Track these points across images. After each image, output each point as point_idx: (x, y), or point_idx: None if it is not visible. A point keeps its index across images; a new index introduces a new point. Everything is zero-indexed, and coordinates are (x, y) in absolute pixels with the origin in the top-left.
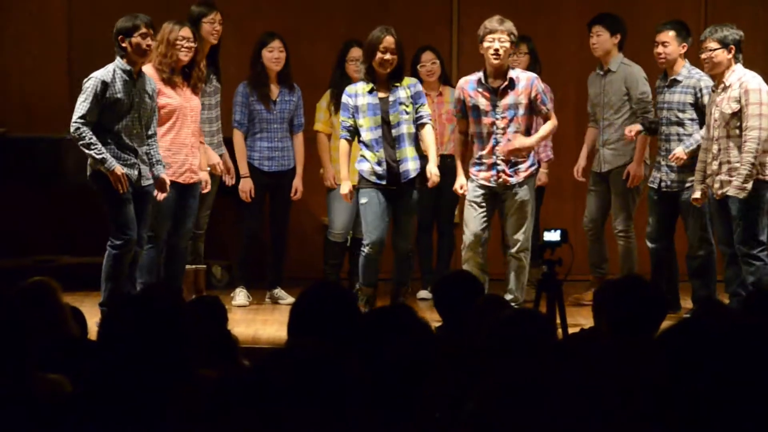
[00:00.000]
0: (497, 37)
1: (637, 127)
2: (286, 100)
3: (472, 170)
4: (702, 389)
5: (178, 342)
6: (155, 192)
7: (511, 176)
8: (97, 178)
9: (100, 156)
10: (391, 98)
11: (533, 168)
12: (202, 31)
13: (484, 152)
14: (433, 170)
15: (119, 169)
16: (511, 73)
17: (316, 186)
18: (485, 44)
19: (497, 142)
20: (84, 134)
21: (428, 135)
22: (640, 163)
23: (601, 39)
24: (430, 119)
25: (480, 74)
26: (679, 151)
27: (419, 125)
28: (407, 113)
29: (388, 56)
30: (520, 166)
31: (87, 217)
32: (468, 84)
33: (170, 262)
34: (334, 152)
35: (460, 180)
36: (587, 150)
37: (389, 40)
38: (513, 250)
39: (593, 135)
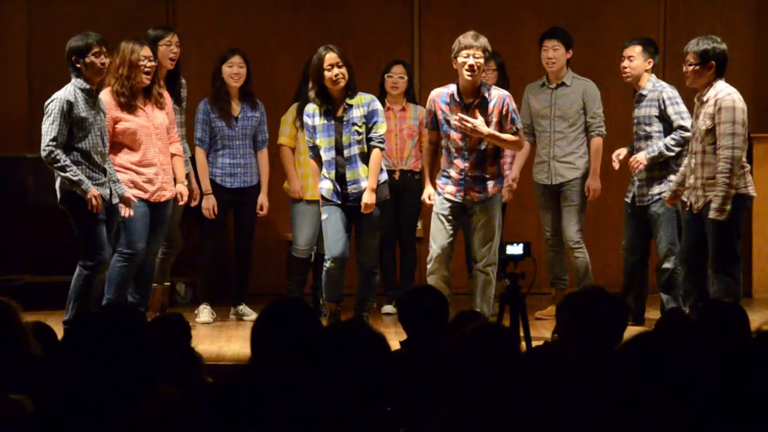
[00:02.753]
0: (472, 53)
1: (624, 151)
2: (248, 117)
3: (439, 183)
4: (663, 399)
5: (141, 360)
6: (122, 209)
7: (479, 192)
8: (69, 199)
9: (76, 178)
10: (345, 118)
11: (500, 185)
12: (158, 54)
13: (452, 167)
14: (366, 199)
15: (95, 191)
16: (484, 91)
17: (280, 202)
18: (459, 59)
19: (467, 159)
20: (58, 157)
21: (373, 160)
22: (596, 177)
23: (558, 53)
24: (382, 142)
25: (453, 88)
26: (641, 156)
27: (369, 147)
28: (359, 134)
29: (335, 71)
30: (488, 183)
31: (49, 235)
32: (440, 97)
33: (139, 278)
34: (298, 166)
35: (428, 190)
36: (520, 168)
37: (332, 56)
38: (480, 265)
39: (526, 151)
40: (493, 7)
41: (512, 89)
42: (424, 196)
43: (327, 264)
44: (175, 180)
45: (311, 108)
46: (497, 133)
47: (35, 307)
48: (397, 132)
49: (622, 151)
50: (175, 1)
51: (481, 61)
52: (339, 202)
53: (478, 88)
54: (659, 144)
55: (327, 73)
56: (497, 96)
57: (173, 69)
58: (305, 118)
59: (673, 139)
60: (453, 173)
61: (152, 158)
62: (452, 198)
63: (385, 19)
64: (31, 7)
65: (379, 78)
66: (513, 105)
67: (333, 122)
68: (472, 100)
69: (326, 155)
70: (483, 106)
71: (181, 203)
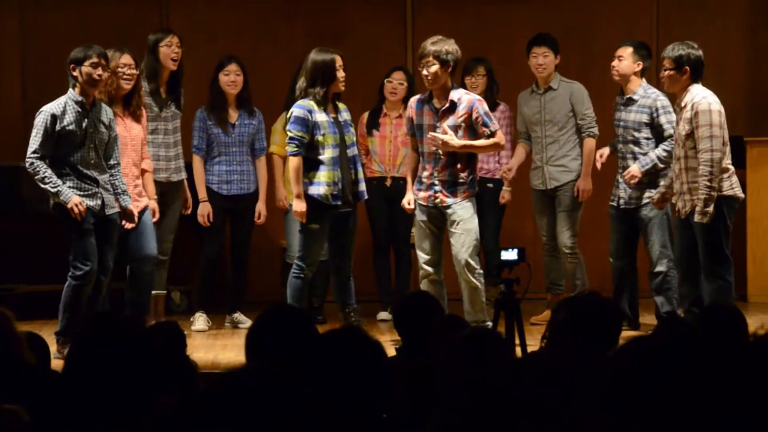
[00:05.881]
0: (425, 61)
1: (606, 151)
2: (245, 124)
3: (414, 189)
4: (656, 406)
5: (139, 370)
6: (123, 222)
7: (448, 197)
8: (59, 209)
9: (55, 189)
10: (340, 119)
11: (472, 189)
12: (160, 55)
13: (424, 172)
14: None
15: (75, 200)
16: (453, 95)
17: (274, 209)
18: (420, 69)
19: (437, 163)
20: (38, 168)
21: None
22: (588, 178)
23: (548, 60)
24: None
25: (428, 93)
26: (635, 169)
27: None
28: (354, 135)
29: (343, 73)
30: (458, 187)
31: (44, 245)
32: (416, 103)
33: (132, 288)
34: (287, 174)
35: (408, 196)
36: (518, 163)
37: (340, 59)
38: (459, 271)
39: (525, 150)
40: (486, 12)
41: (505, 94)
42: (404, 201)
43: (303, 272)
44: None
45: (309, 104)
46: (470, 142)
47: (31, 316)
48: (392, 139)
49: (605, 151)
50: (168, 7)
51: (435, 68)
52: (340, 203)
53: (448, 92)
54: (652, 155)
55: (338, 74)
56: (467, 101)
57: (176, 70)
58: (303, 113)
59: (665, 150)
60: (424, 178)
61: (124, 168)
62: (425, 204)
63: (379, 24)
64: (24, 15)
65: (378, 83)
66: (484, 108)
67: (333, 121)
68: (442, 104)
69: (332, 152)
70: (451, 109)
71: (153, 220)
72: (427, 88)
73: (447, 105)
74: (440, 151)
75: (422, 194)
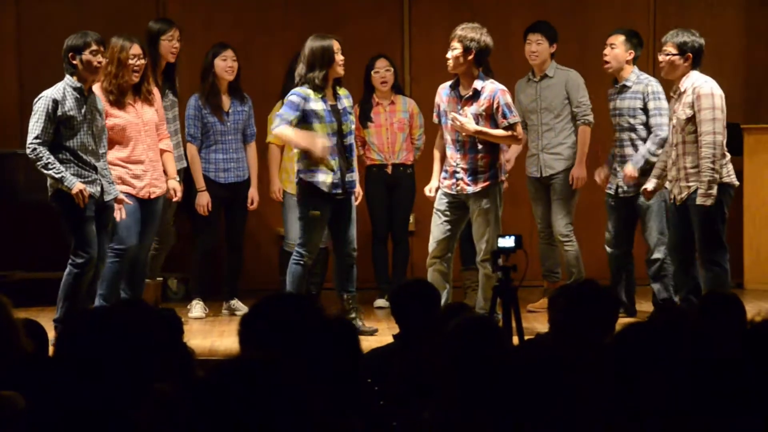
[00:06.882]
0: (450, 45)
1: (604, 173)
2: (238, 111)
3: (441, 177)
4: (651, 392)
5: (136, 356)
6: (116, 211)
7: (468, 185)
8: (58, 197)
9: (59, 175)
10: (339, 106)
11: (494, 179)
12: (161, 48)
13: (448, 160)
14: (359, 189)
15: (79, 186)
16: (478, 84)
17: (271, 197)
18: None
19: (459, 150)
20: (41, 155)
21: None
22: (582, 165)
23: (542, 48)
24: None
25: (455, 80)
26: (630, 169)
27: None
28: (353, 123)
29: (342, 57)
30: (479, 176)
31: (41, 232)
32: (444, 89)
33: (131, 274)
34: (286, 162)
35: (432, 183)
36: (515, 153)
37: (338, 44)
38: (478, 259)
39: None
40: (482, 1)
41: (502, 82)
42: (426, 188)
43: (304, 259)
44: (167, 176)
45: (305, 91)
46: (486, 130)
47: (27, 303)
48: (388, 126)
49: (603, 171)
50: None
51: (457, 52)
52: (339, 191)
53: (474, 80)
54: (643, 151)
55: (337, 57)
56: (489, 90)
57: (173, 62)
58: (297, 99)
59: (653, 144)
60: (448, 166)
61: (141, 155)
62: (448, 191)
63: (375, 13)
64: (20, 4)
65: (363, 75)
66: (506, 99)
67: (330, 109)
68: (467, 92)
69: (328, 141)
70: (474, 98)
71: (174, 199)
72: (449, 72)
73: (470, 93)
74: (462, 138)
75: (446, 182)
